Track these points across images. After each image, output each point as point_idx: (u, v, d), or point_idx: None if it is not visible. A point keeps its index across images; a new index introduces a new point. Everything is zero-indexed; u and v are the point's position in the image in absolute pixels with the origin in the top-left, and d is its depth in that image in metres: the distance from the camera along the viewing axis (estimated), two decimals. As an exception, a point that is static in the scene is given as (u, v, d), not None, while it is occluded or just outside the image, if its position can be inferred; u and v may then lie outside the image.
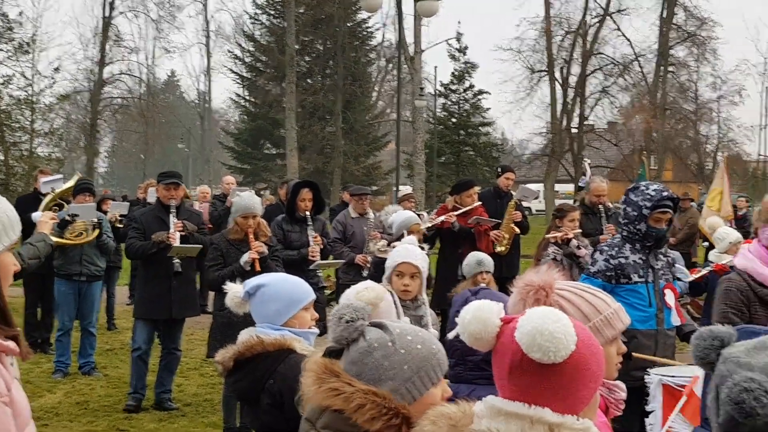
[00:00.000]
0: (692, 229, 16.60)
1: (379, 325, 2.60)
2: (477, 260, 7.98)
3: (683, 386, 5.44)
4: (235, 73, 54.65)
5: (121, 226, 11.71)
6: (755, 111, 78.34)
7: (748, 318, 4.43)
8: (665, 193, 6.18)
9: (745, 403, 1.82)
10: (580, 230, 9.31)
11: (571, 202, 14.93)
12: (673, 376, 5.68)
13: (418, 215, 10.41)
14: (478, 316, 2.14)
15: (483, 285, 7.21)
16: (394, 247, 6.60)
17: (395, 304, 5.30)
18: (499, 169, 12.49)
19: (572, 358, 2.04)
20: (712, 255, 9.85)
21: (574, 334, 2.04)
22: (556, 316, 2.04)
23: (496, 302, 2.19)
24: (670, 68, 49.78)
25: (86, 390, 9.78)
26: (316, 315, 4.06)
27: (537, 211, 47.91)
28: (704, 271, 9.35)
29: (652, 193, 6.14)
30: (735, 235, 9.62)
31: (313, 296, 4.03)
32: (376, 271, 7.60)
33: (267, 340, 3.78)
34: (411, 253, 5.68)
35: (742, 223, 17.24)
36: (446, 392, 2.56)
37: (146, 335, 9.11)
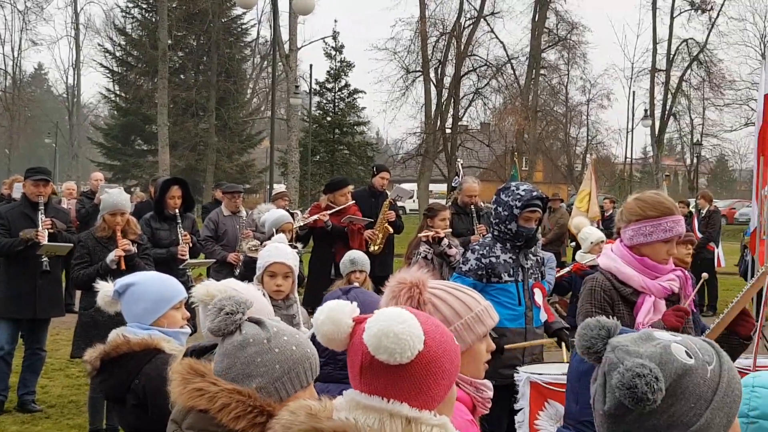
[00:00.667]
0: (561, 229, 16.97)
1: (258, 322, 2.61)
2: (350, 259, 7.97)
3: (551, 384, 5.55)
4: (106, 67, 53.55)
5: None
6: (623, 114, 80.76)
7: (612, 317, 4.54)
8: (535, 193, 6.31)
9: (638, 388, 1.85)
10: (450, 230, 9.41)
11: (443, 201, 15.10)
12: (541, 374, 5.79)
13: (292, 214, 10.37)
14: (331, 317, 2.14)
15: (356, 284, 7.21)
16: (264, 246, 6.56)
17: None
18: (374, 169, 12.54)
19: (421, 358, 2.05)
20: (578, 255, 10.12)
21: (421, 335, 2.05)
22: (402, 318, 2.04)
23: (350, 302, 2.19)
24: (542, 71, 50.90)
25: (-56, 393, 9.40)
26: (188, 314, 4.02)
27: (411, 210, 48.29)
28: (564, 271, 9.59)
29: (522, 193, 6.25)
30: (596, 234, 9.90)
31: (184, 295, 3.98)
32: (247, 270, 7.52)
33: (133, 339, 3.74)
34: (283, 252, 5.66)
35: (608, 223, 17.72)
36: (313, 397, 2.57)
37: (9, 335, 8.83)
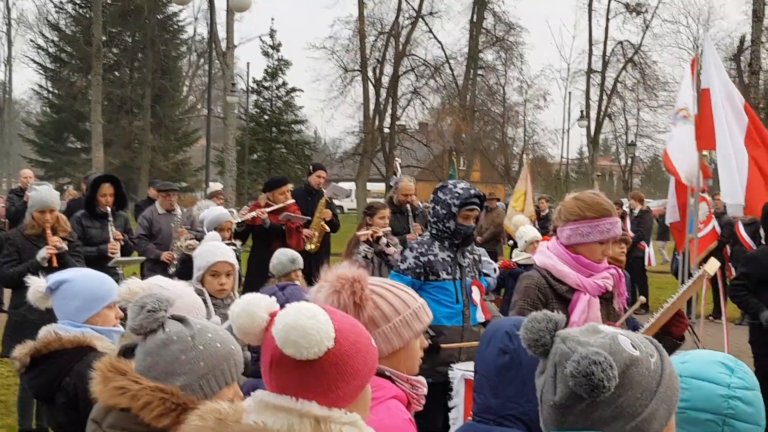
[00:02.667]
0: (498, 228, 17.10)
1: (181, 319, 2.59)
2: (290, 258, 7.81)
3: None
4: (38, 63, 52.66)
5: None
6: (559, 115, 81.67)
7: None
8: (473, 191, 6.33)
9: (594, 375, 1.86)
10: (390, 228, 9.41)
11: (381, 200, 15.11)
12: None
13: (230, 212, 10.28)
14: (246, 310, 2.12)
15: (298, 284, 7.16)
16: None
17: (206, 302, 5.28)
18: (311, 167, 12.51)
19: (330, 355, 2.03)
20: (514, 253, 10.19)
21: (331, 332, 2.03)
22: (312, 312, 2.03)
23: (267, 296, 2.17)
24: (480, 71, 51.25)
25: None
26: (121, 313, 3.96)
27: (348, 210, 48.35)
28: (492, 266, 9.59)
29: (460, 191, 6.27)
30: (531, 233, 10.00)
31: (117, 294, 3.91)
32: (183, 268, 7.43)
33: (65, 337, 3.70)
34: (224, 251, 5.71)
35: (544, 222, 17.91)
36: (238, 395, 2.55)
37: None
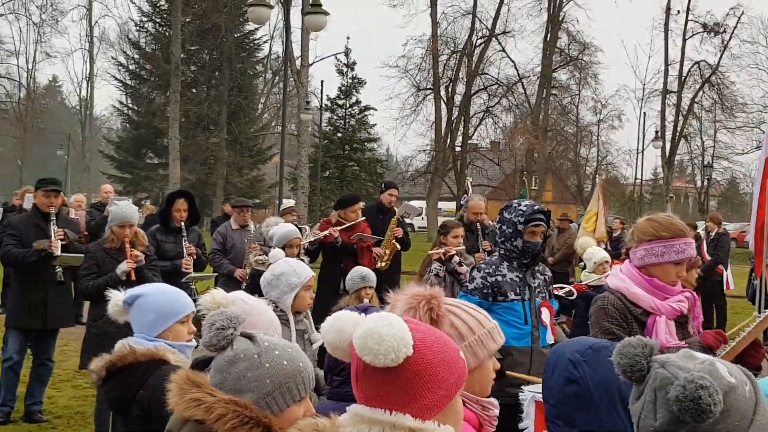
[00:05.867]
0: (569, 250, 16.91)
1: (249, 337, 2.63)
2: (361, 275, 7.94)
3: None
4: (119, 80, 53.75)
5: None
6: (634, 135, 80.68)
7: (629, 334, 4.51)
8: (536, 207, 6.33)
9: (702, 399, 1.86)
10: (464, 247, 9.39)
11: (454, 219, 15.08)
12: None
13: (300, 229, 10.37)
14: (335, 326, 2.17)
15: (367, 301, 7.26)
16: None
17: (288, 319, 5.46)
18: (383, 185, 12.53)
19: (411, 363, 2.06)
20: (583, 274, 10.10)
21: (408, 339, 2.06)
22: (389, 321, 2.07)
23: (354, 312, 2.21)
24: (553, 91, 50.95)
25: (-49, 402, 9.42)
26: (194, 329, 4.03)
27: (419, 228, 48.33)
28: (566, 289, 9.51)
29: (524, 209, 6.27)
30: (600, 255, 9.89)
31: (190, 309, 4.00)
32: (254, 284, 7.54)
33: (139, 350, 3.76)
34: (308, 267, 5.88)
35: (617, 244, 17.70)
36: (309, 410, 2.58)
37: (18, 345, 8.84)
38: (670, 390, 1.92)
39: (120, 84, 53.68)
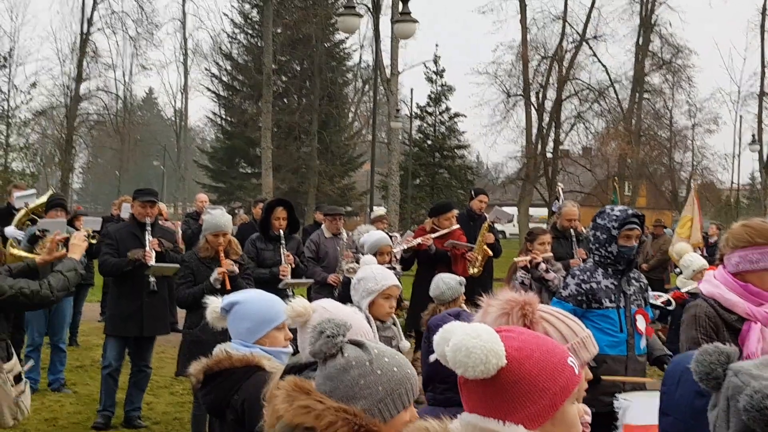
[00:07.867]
0: (664, 256, 16.70)
1: (359, 344, 2.63)
2: (459, 281, 7.74)
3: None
4: (212, 91, 54.56)
5: (93, 242, 11.63)
6: (730, 139, 79.09)
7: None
8: (630, 212, 6.24)
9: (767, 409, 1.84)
10: (551, 254, 9.33)
11: (543, 226, 14.98)
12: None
13: (391, 237, 10.42)
14: (445, 338, 2.16)
15: (462, 307, 7.20)
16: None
17: (371, 325, 5.39)
18: (473, 192, 12.51)
19: (507, 373, 2.06)
20: (679, 281, 9.93)
21: (499, 350, 2.05)
22: (477, 333, 2.06)
23: (464, 323, 2.19)
24: (646, 95, 50.08)
25: (55, 407, 9.70)
26: (290, 335, 4.07)
27: (511, 234, 48.01)
28: (664, 298, 9.36)
29: (618, 213, 6.20)
30: (699, 262, 9.69)
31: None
32: (346, 291, 7.60)
33: (235, 355, 3.82)
34: (393, 275, 5.81)
35: (713, 250, 17.38)
36: (414, 417, 2.59)
37: (117, 352, 9.05)
38: (740, 399, 1.89)
39: (213, 95, 54.47)
